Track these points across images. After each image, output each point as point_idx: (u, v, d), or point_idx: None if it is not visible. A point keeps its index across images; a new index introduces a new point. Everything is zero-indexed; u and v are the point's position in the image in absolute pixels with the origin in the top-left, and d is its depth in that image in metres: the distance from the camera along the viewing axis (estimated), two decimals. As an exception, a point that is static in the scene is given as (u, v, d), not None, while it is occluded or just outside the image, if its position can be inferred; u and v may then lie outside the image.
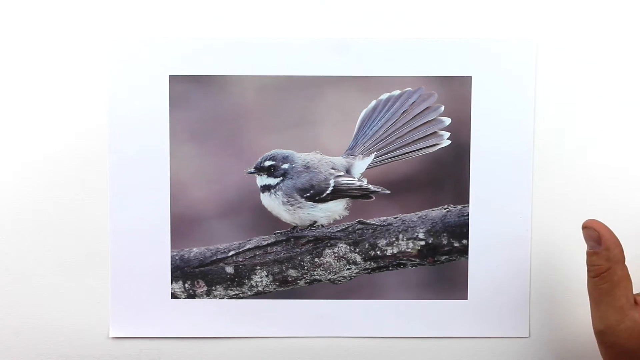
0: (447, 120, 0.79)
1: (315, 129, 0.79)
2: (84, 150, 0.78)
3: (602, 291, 0.67)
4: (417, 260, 0.79)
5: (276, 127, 0.79)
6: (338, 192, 0.79)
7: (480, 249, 0.79)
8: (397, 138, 0.80)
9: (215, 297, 0.80)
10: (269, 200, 0.79)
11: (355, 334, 0.81)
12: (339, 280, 0.80)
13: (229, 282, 0.80)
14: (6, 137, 0.78)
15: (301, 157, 0.79)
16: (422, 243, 0.79)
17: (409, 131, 0.80)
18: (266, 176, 0.79)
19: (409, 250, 0.79)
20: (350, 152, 0.80)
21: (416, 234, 0.79)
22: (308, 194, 0.79)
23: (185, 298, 0.80)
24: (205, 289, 0.80)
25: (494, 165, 0.78)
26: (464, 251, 0.79)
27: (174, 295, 0.80)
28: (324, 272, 0.80)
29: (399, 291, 0.80)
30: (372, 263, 0.80)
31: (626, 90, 0.78)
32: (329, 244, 0.80)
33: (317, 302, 0.80)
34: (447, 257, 0.79)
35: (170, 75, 0.77)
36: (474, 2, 0.77)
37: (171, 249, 0.79)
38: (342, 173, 0.79)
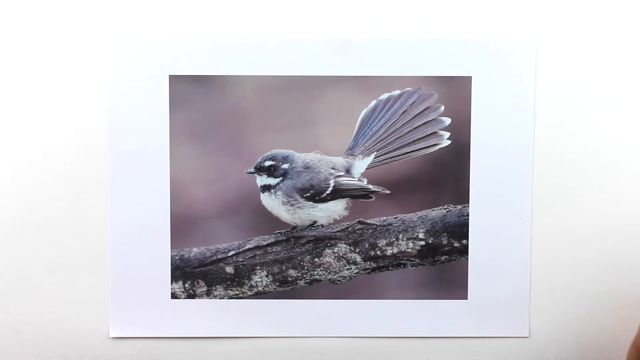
0: (447, 120, 0.79)
1: (315, 129, 0.79)
2: (84, 150, 0.78)
3: None
4: (417, 260, 0.79)
5: (276, 127, 0.79)
6: (338, 192, 0.79)
7: (480, 249, 0.79)
8: (397, 138, 0.80)
9: (215, 297, 0.80)
10: (269, 200, 0.79)
11: (355, 334, 0.81)
12: (339, 280, 0.80)
13: (229, 282, 0.80)
14: (6, 137, 0.78)
15: (301, 157, 0.79)
16: (422, 243, 0.79)
17: (409, 131, 0.80)
18: (266, 176, 0.79)
19: (409, 250, 0.79)
20: (350, 152, 0.80)
21: (416, 234, 0.79)
22: (308, 194, 0.79)
23: (185, 298, 0.80)
24: (205, 289, 0.80)
25: (494, 165, 0.78)
26: (464, 251, 0.79)
27: (174, 295, 0.80)
28: (324, 272, 0.80)
29: (399, 291, 0.80)
30: (372, 263, 0.80)
31: (625, 89, 0.78)
32: (329, 244, 0.80)
33: (317, 302, 0.80)
34: (447, 257, 0.79)
35: (170, 75, 0.77)
36: (474, 2, 0.77)
37: (171, 249, 0.79)
38: (342, 173, 0.79)
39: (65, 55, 0.77)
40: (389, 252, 0.79)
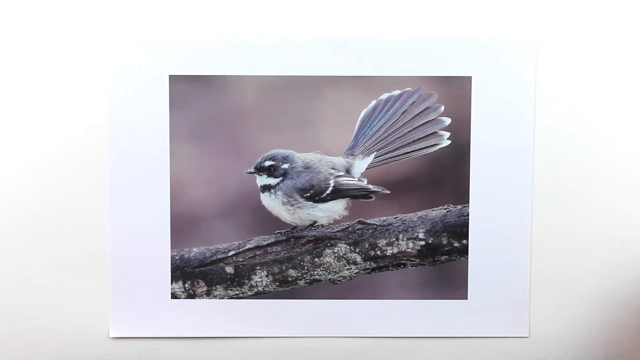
0: (447, 120, 0.79)
1: (315, 129, 0.79)
2: (84, 150, 0.78)
3: None
4: (417, 260, 0.79)
5: (276, 127, 0.79)
6: (338, 192, 0.79)
7: (480, 249, 0.79)
8: (397, 138, 0.80)
9: (215, 297, 0.80)
10: (269, 200, 0.79)
11: (355, 334, 0.81)
12: (339, 280, 0.80)
13: (229, 282, 0.80)
14: (6, 137, 0.78)
15: (301, 157, 0.79)
16: (422, 243, 0.79)
17: (409, 131, 0.80)
18: (266, 176, 0.79)
19: (409, 250, 0.79)
20: (350, 152, 0.80)
21: (416, 234, 0.79)
22: (308, 194, 0.79)
23: (185, 298, 0.80)
24: (205, 289, 0.80)
25: (494, 165, 0.78)
26: (464, 251, 0.79)
27: (174, 295, 0.80)
28: (324, 272, 0.80)
29: (399, 291, 0.80)
30: (372, 263, 0.80)
31: (626, 88, 0.78)
32: (329, 244, 0.80)
33: (317, 302, 0.80)
34: (447, 257, 0.79)
35: (170, 75, 0.77)
36: (474, 2, 0.77)
37: (171, 249, 0.79)
38: (342, 173, 0.79)
39: (65, 55, 0.77)
40: (389, 252, 0.79)
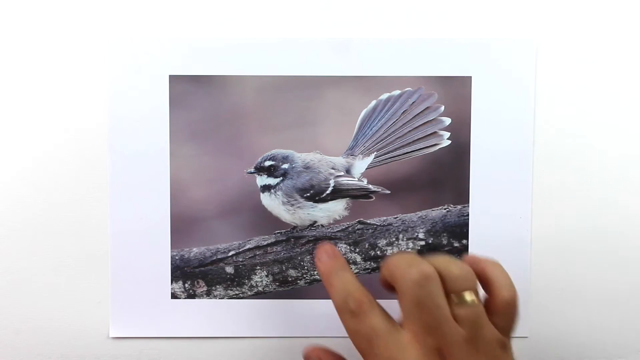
0: (447, 120, 0.79)
1: (315, 129, 0.79)
2: (84, 150, 0.78)
3: None
4: (417, 260, 0.79)
5: (276, 127, 0.79)
6: (338, 192, 0.79)
7: (480, 249, 0.79)
8: (397, 138, 0.80)
9: (215, 297, 0.80)
10: (269, 200, 0.79)
11: (355, 334, 0.81)
12: (339, 280, 0.80)
13: (229, 282, 0.80)
14: (6, 137, 0.78)
15: (301, 157, 0.79)
16: (422, 243, 0.79)
17: (409, 131, 0.80)
18: (266, 176, 0.79)
19: (409, 250, 0.79)
20: (350, 152, 0.80)
21: (416, 234, 0.79)
22: (308, 194, 0.79)
23: (185, 298, 0.80)
24: (205, 289, 0.80)
25: (494, 165, 0.78)
26: (464, 251, 0.79)
27: (174, 295, 0.80)
28: (324, 272, 0.80)
29: (399, 291, 0.80)
30: (372, 263, 0.80)
31: (626, 89, 0.78)
32: (329, 244, 0.80)
33: (317, 302, 0.80)
34: (447, 257, 0.79)
35: (170, 75, 0.77)
36: (474, 2, 0.77)
37: (171, 249, 0.79)
38: (342, 173, 0.79)
39: (65, 55, 0.77)
40: (389, 252, 0.79)
